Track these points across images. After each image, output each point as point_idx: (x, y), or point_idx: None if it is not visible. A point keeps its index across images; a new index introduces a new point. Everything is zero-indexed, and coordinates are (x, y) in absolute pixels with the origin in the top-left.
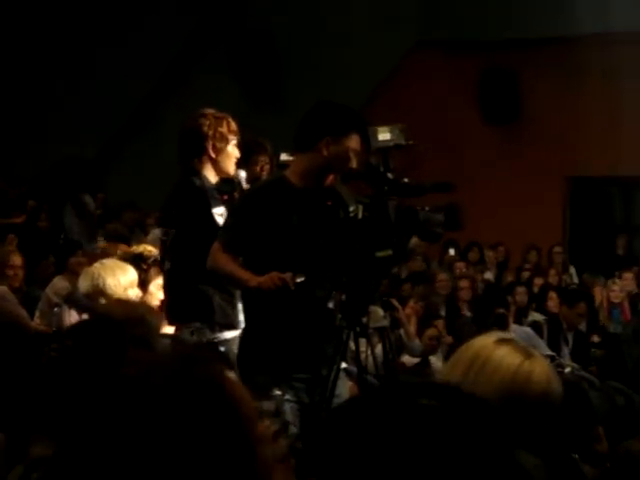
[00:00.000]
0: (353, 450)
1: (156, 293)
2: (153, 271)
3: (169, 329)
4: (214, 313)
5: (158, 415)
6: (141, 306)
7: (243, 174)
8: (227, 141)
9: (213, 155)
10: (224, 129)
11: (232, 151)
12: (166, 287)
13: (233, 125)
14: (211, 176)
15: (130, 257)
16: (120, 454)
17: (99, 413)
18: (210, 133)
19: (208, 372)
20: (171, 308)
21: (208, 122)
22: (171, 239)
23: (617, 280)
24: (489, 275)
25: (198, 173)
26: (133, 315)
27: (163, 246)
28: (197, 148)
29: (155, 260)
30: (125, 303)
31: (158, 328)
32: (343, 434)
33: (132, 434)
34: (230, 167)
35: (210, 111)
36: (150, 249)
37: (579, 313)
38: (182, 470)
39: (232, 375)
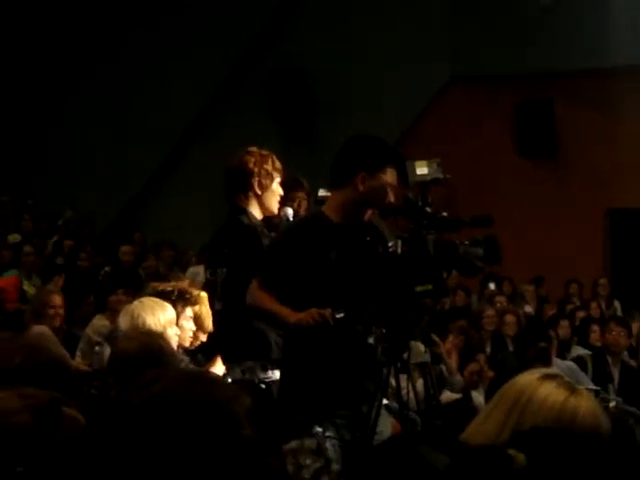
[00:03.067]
0: None
1: (186, 327)
2: (179, 305)
3: (219, 369)
4: (271, 350)
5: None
6: (157, 340)
7: (290, 211)
8: (272, 178)
9: (259, 192)
10: (269, 166)
11: (276, 189)
12: (218, 327)
13: (277, 163)
14: (257, 213)
15: (156, 294)
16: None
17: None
18: (256, 170)
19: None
20: (224, 347)
21: (254, 159)
22: (222, 278)
23: None
24: (529, 309)
25: (245, 211)
26: (149, 350)
27: (211, 286)
28: (243, 185)
29: (180, 294)
30: (141, 337)
31: (175, 359)
32: (385, 472)
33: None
34: (274, 204)
35: (255, 149)
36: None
37: (618, 336)
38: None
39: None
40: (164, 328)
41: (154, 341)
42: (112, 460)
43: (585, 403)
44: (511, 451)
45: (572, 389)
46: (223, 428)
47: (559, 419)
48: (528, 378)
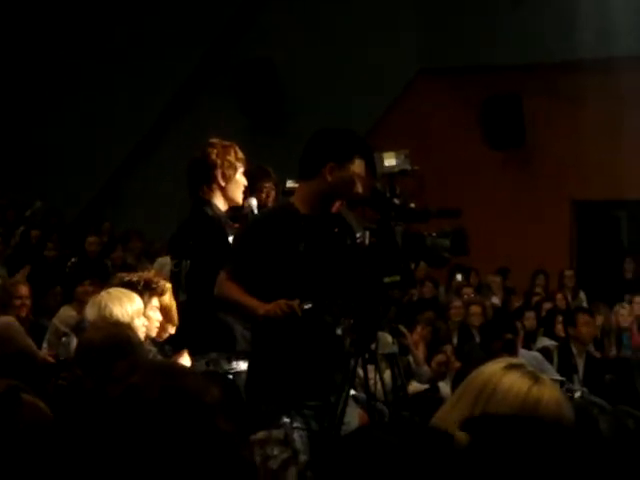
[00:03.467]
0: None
1: (153, 318)
2: (146, 296)
3: (186, 360)
4: (236, 342)
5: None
6: (124, 330)
7: (254, 202)
8: (235, 169)
9: (222, 183)
10: (232, 157)
11: (240, 179)
12: (182, 319)
13: (240, 153)
14: (221, 204)
15: (122, 284)
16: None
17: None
18: (218, 162)
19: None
20: (188, 339)
21: (216, 151)
22: (187, 270)
23: (625, 304)
24: (496, 300)
25: (209, 202)
26: (116, 340)
27: (175, 277)
28: (206, 177)
29: (146, 284)
30: (108, 327)
31: (143, 350)
32: (353, 463)
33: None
34: (239, 195)
35: (217, 140)
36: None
37: (584, 326)
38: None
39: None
40: (131, 319)
41: (121, 331)
42: (86, 451)
43: (548, 392)
44: (456, 432)
45: (536, 378)
46: (200, 420)
47: (523, 407)
48: (493, 368)
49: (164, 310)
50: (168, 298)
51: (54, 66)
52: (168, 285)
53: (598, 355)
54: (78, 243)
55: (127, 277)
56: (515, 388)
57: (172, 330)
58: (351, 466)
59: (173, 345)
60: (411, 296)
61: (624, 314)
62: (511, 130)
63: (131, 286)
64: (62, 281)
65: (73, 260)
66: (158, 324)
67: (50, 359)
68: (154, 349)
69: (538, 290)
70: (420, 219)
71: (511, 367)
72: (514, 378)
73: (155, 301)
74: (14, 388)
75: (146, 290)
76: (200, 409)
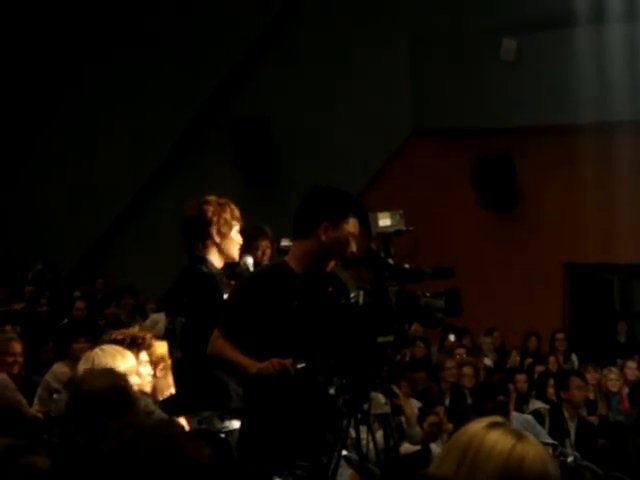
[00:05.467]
0: None
1: (144, 373)
2: (133, 352)
3: (180, 419)
4: (230, 400)
5: None
6: (122, 379)
7: (250, 260)
8: (231, 227)
9: (218, 241)
10: (228, 215)
11: (235, 237)
12: (177, 376)
13: (236, 211)
14: (216, 262)
15: (109, 342)
16: None
17: None
18: (214, 219)
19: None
20: (182, 397)
21: (212, 208)
22: (181, 327)
23: (613, 368)
24: (488, 362)
25: (204, 259)
26: (115, 388)
27: (170, 335)
28: (201, 234)
29: (132, 340)
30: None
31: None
32: None
33: None
34: (234, 252)
35: (213, 198)
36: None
37: (576, 389)
38: None
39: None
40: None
41: (119, 381)
42: None
43: (533, 449)
44: None
45: (519, 436)
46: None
47: (507, 465)
48: (475, 427)
49: (159, 360)
50: (161, 350)
51: (48, 120)
52: (160, 342)
53: (591, 418)
54: (70, 301)
55: (114, 334)
56: (499, 446)
57: (172, 389)
58: None
59: (168, 403)
60: (403, 356)
61: (613, 378)
62: (504, 191)
63: (118, 343)
64: (54, 338)
65: (65, 321)
66: (150, 378)
67: (39, 415)
68: (155, 407)
69: (530, 353)
70: (414, 279)
71: (493, 425)
72: (497, 436)
73: (144, 355)
74: (13, 448)
75: (133, 347)
76: (191, 467)
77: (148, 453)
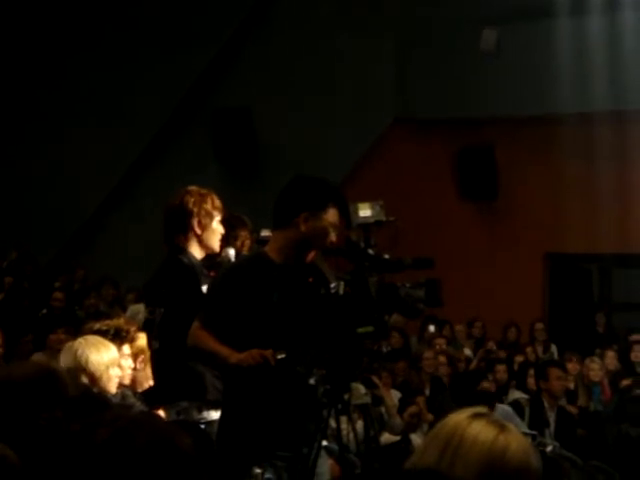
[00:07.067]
0: None
1: (125, 366)
2: (116, 344)
3: (159, 411)
4: (206, 391)
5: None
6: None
7: (232, 252)
8: (212, 217)
9: (198, 232)
10: (209, 205)
11: (217, 227)
12: (154, 367)
13: (217, 202)
14: (197, 253)
15: (92, 333)
16: None
17: None
18: (195, 210)
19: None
20: (160, 388)
21: (193, 199)
22: (160, 318)
23: (596, 358)
24: (468, 352)
25: (184, 250)
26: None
27: (149, 325)
28: (182, 225)
29: (117, 332)
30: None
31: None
32: None
33: None
34: (215, 243)
35: (194, 188)
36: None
37: (556, 380)
38: None
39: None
40: (106, 367)
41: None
42: None
43: (515, 440)
44: None
45: (501, 427)
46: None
47: (490, 456)
48: (458, 418)
49: (139, 352)
50: (141, 342)
51: (25, 109)
52: (141, 334)
53: (570, 408)
54: (49, 292)
55: (97, 325)
56: (481, 437)
57: (151, 381)
58: None
59: (147, 394)
60: (380, 346)
61: (595, 368)
62: (484, 182)
63: (102, 334)
64: (34, 329)
65: (44, 312)
66: (130, 371)
67: None
68: (135, 399)
69: (509, 343)
70: (394, 269)
71: (475, 416)
72: (480, 427)
73: (126, 348)
74: None
75: (117, 338)
76: (180, 458)
77: (142, 445)
